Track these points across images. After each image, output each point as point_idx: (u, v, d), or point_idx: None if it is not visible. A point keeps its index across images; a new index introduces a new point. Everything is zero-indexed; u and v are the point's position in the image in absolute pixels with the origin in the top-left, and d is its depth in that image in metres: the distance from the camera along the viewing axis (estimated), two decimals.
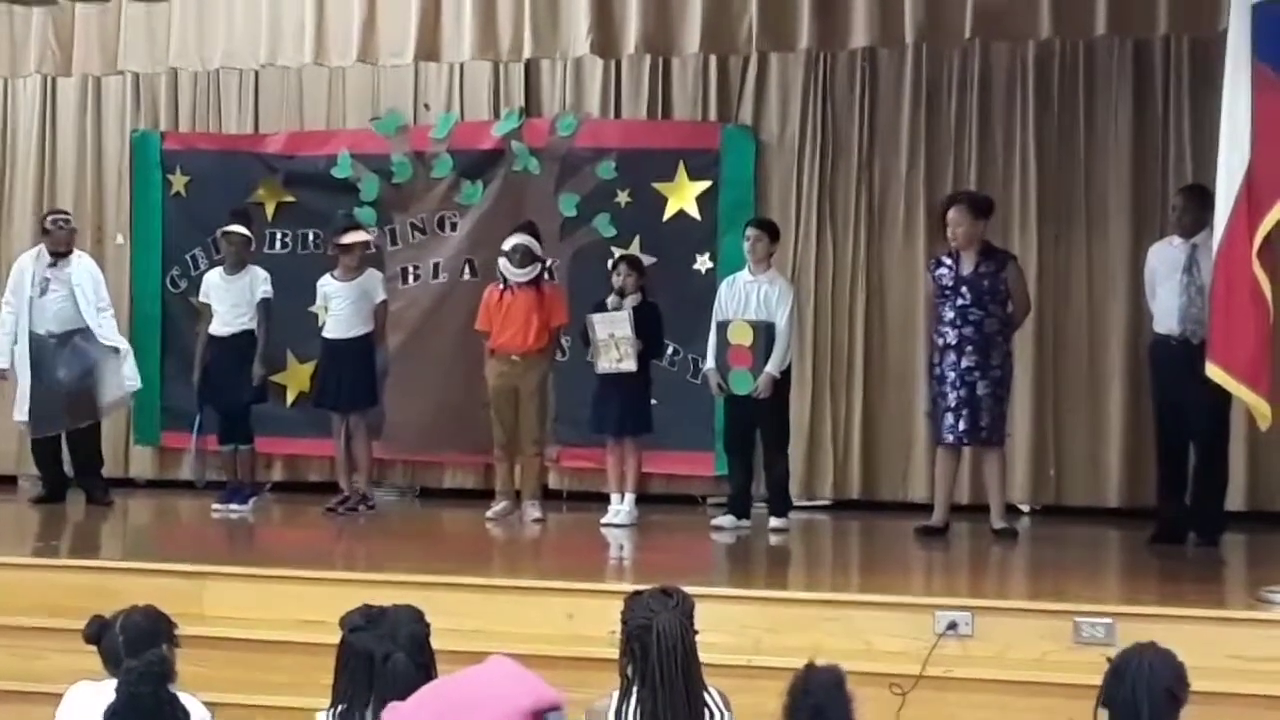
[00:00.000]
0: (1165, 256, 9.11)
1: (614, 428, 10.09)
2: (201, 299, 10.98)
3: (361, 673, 4.37)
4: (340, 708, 4.39)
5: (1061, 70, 11.15)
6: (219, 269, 11.02)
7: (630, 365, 9.87)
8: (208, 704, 4.56)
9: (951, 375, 9.24)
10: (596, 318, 9.98)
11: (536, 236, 10.39)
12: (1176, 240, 9.07)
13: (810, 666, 3.97)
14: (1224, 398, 7.21)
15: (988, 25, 9.69)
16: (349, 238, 10.84)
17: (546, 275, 10.82)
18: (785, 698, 3.99)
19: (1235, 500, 10.03)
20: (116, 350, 10.87)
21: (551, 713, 4.14)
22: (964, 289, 9.25)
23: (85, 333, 10.76)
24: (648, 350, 10.04)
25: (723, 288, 9.99)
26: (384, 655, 4.33)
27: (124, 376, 10.88)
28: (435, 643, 4.58)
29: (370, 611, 4.54)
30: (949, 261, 9.36)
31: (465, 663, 5.26)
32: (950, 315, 9.26)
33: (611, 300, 10.04)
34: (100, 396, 10.87)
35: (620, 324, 9.90)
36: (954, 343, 9.24)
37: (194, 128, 12.68)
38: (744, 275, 9.87)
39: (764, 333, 9.57)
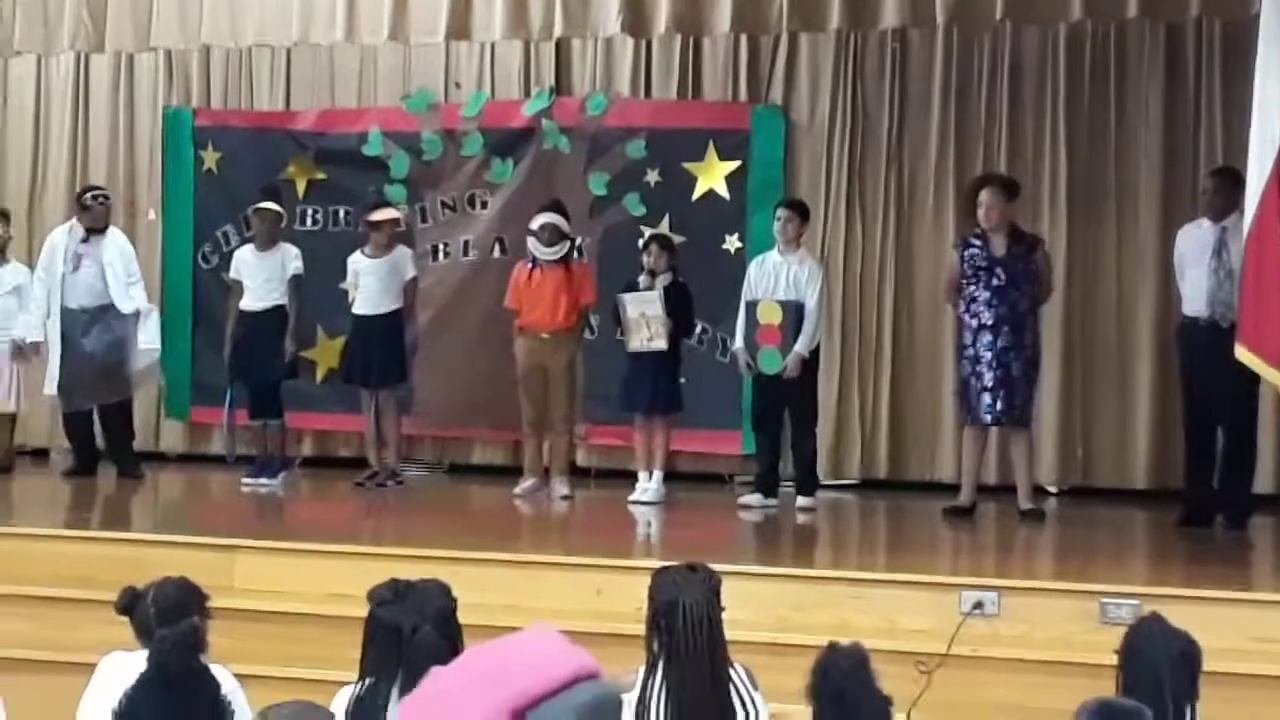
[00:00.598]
0: (1195, 239, 9.10)
1: (644, 406, 10.12)
2: (232, 275, 11.04)
3: (389, 647, 4.39)
4: (368, 681, 4.41)
5: (1093, 53, 11.13)
6: (250, 245, 11.08)
7: (661, 344, 9.90)
8: (237, 675, 4.59)
9: (988, 355, 9.24)
10: (628, 297, 10.01)
11: (564, 215, 10.43)
12: (1206, 223, 9.05)
13: (832, 647, 3.98)
14: (1252, 381, 7.22)
15: (1019, 8, 9.67)
16: (379, 215, 10.89)
17: (576, 254, 10.85)
18: (810, 678, 4.00)
19: (1263, 483, 10.04)
20: (138, 314, 10.91)
21: (588, 680, 4.16)
22: (999, 270, 9.25)
23: (116, 308, 10.82)
24: (678, 329, 10.07)
25: (752, 267, 10.01)
26: (411, 629, 4.36)
27: (144, 341, 10.91)
28: (463, 618, 4.61)
29: (398, 585, 4.57)
30: (978, 243, 9.36)
31: (494, 638, 5.31)
32: (985, 295, 9.25)
33: (643, 280, 10.07)
34: (131, 372, 10.94)
35: (651, 303, 9.93)
36: (989, 323, 9.24)
37: (226, 105, 12.73)
38: (774, 255, 9.89)
39: (793, 312, 9.59)
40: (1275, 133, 6.48)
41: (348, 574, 7.01)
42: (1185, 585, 6.85)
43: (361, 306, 10.76)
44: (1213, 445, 9.09)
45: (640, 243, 10.56)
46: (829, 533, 9.62)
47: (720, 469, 11.51)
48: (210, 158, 12.50)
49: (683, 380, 10.28)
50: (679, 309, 10.04)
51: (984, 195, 9.39)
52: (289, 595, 7.32)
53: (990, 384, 9.23)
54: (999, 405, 9.23)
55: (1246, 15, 8.22)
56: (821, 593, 6.84)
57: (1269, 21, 6.65)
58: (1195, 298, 8.98)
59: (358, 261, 10.82)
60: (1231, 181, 8.49)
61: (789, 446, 9.97)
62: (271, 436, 10.93)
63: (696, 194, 11.66)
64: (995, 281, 9.24)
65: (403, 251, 10.91)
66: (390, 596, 4.52)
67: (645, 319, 9.93)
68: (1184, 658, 4.14)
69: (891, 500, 10.92)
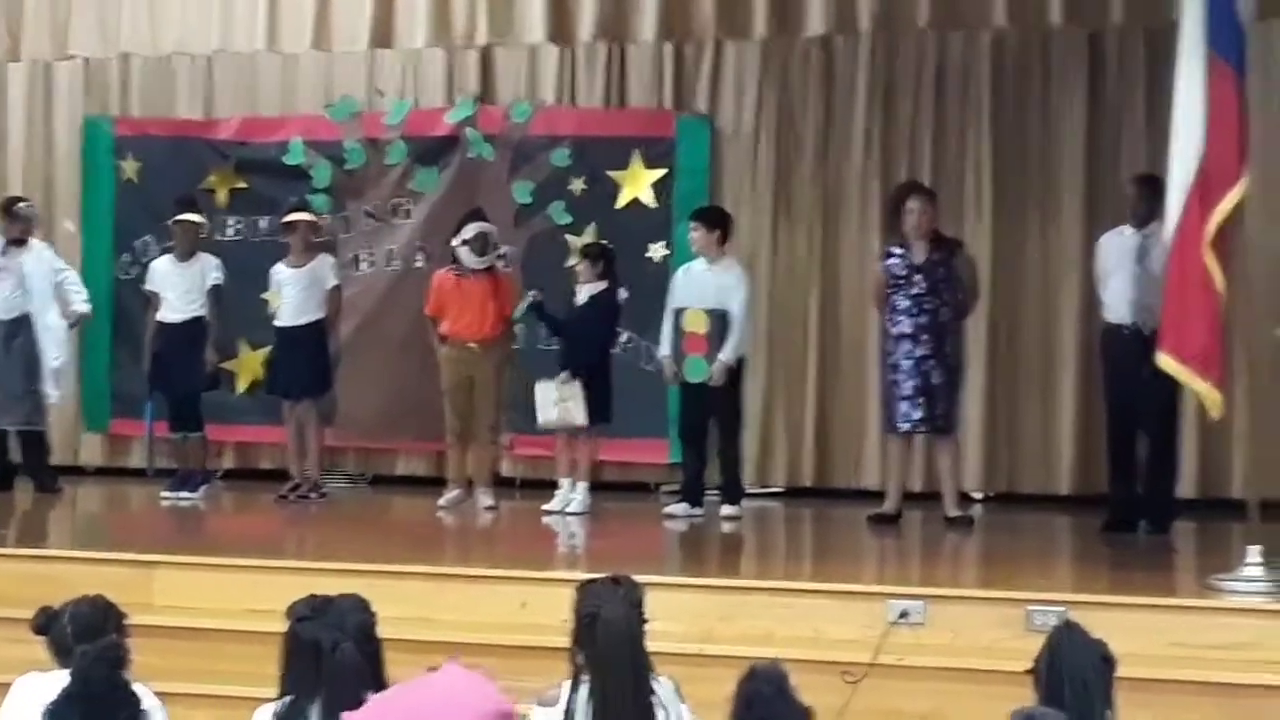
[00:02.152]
0: (1117, 246, 9.15)
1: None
2: (150, 287, 10.89)
3: (308, 663, 4.33)
4: (288, 699, 4.35)
5: (1017, 59, 11.18)
6: (168, 256, 10.94)
7: (582, 419, 9.88)
8: (158, 693, 4.52)
9: (907, 364, 9.25)
10: (538, 389, 9.98)
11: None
12: (1128, 230, 9.10)
13: (752, 672, 3.97)
14: (1175, 386, 7.24)
15: (943, 14, 9.73)
16: (291, 216, 10.78)
17: (500, 263, 10.80)
18: (732, 704, 3.99)
19: (1186, 488, 10.10)
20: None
21: None
22: (918, 278, 9.26)
23: (31, 322, 10.68)
24: (604, 340, 10.05)
25: (678, 275, 9.98)
26: (331, 644, 4.30)
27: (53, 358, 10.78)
28: (388, 632, 4.56)
29: (316, 601, 4.51)
30: (900, 251, 9.38)
31: (419, 652, 5.25)
32: (905, 304, 9.27)
33: (579, 296, 10.02)
34: (45, 397, 10.79)
35: (567, 387, 9.89)
36: (909, 331, 9.26)
37: (146, 114, 12.59)
38: (699, 263, 9.86)
39: (719, 321, 9.57)
40: (1197, 140, 6.50)
41: (269, 589, 6.90)
42: (1110, 591, 6.87)
43: (283, 317, 10.66)
44: (1136, 451, 9.13)
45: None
46: (755, 542, 9.60)
47: (646, 478, 11.49)
48: (130, 167, 12.38)
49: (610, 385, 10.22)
50: (604, 318, 10.02)
51: (911, 202, 9.40)
52: (209, 611, 7.21)
53: (909, 392, 9.24)
54: (918, 414, 9.24)
55: (1167, 22, 8.25)
56: (747, 603, 6.80)
57: (1189, 27, 6.67)
58: (1118, 305, 9.02)
59: (279, 272, 10.72)
60: (1153, 189, 8.50)
61: (715, 455, 9.95)
62: (192, 449, 10.81)
63: (621, 202, 11.64)
64: (914, 290, 9.25)
65: (324, 260, 10.81)
66: (308, 612, 4.46)
67: (565, 404, 9.90)
68: (1104, 664, 4.15)
69: (817, 508, 10.92)
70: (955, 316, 9.39)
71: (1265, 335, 7.14)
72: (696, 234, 9.85)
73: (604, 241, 10.87)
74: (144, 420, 11.40)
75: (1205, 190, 6.46)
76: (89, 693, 3.74)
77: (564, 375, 9.91)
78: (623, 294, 10.26)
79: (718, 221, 9.98)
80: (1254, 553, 6.55)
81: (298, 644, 4.39)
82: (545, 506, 10.01)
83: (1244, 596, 6.45)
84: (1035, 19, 9.86)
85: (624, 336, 10.78)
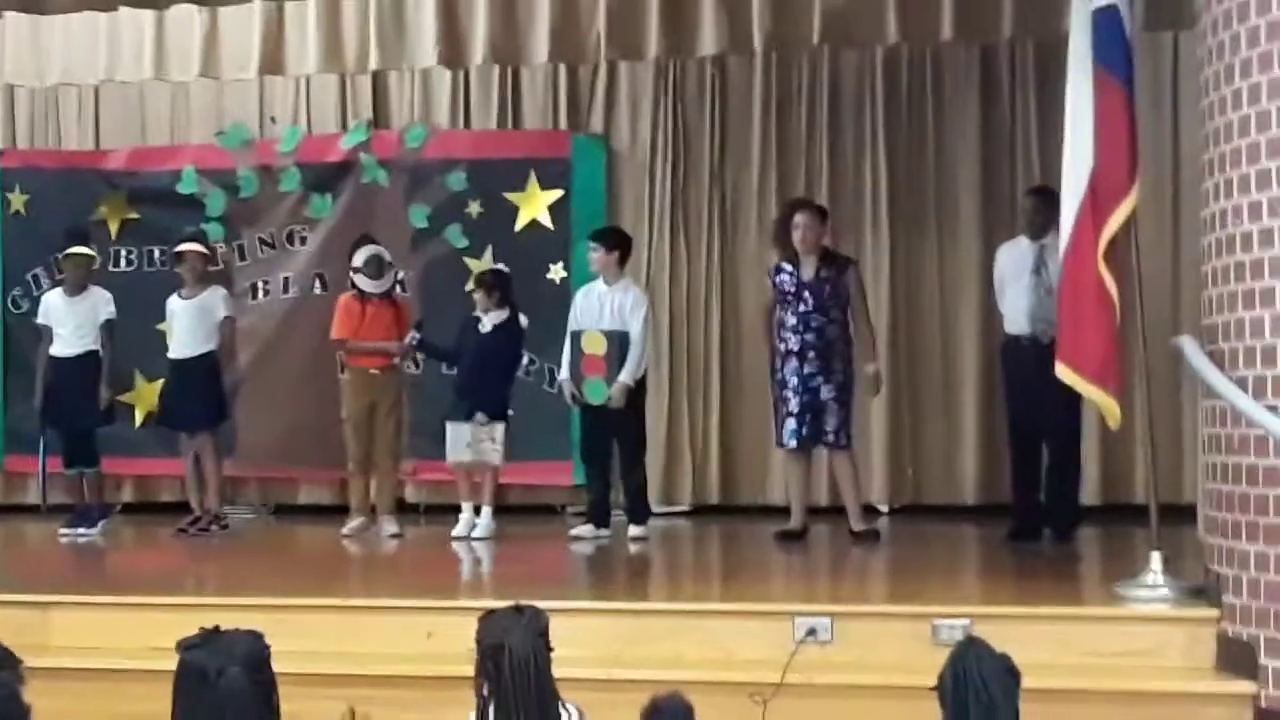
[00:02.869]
0: (1014, 257, 9.22)
1: None
2: (41, 320, 10.72)
3: (196, 692, 4.24)
4: None
5: (910, 74, 11.28)
6: (59, 289, 10.79)
7: (498, 460, 9.90)
8: None
9: (794, 381, 9.27)
10: (451, 432, 9.93)
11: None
12: (1024, 241, 9.18)
13: (655, 706, 3.95)
14: (1075, 396, 7.27)
15: (835, 31, 9.73)
16: (181, 247, 10.63)
17: (399, 288, 10.73)
18: None
19: (1089, 495, 10.21)
20: None
21: None
22: (805, 294, 9.28)
23: None
24: (511, 369, 10.06)
25: (578, 297, 9.94)
26: (218, 670, 4.22)
27: None
28: (293, 666, 4.49)
29: (206, 631, 4.43)
30: (789, 268, 9.39)
31: (326, 685, 5.19)
32: (792, 321, 9.30)
33: (485, 324, 9.96)
34: None
35: (486, 428, 9.84)
36: (796, 349, 9.27)
37: (33, 145, 12.44)
38: (599, 285, 9.82)
39: (617, 342, 9.54)
40: (1088, 152, 6.54)
41: (171, 626, 6.71)
42: (1016, 602, 6.86)
43: (175, 349, 10.50)
44: (1038, 460, 9.21)
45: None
46: (662, 562, 9.57)
47: (552, 500, 11.46)
48: (17, 200, 12.22)
49: (510, 413, 10.16)
50: (508, 348, 10.00)
51: (800, 217, 9.41)
52: (109, 651, 7.06)
53: (795, 409, 9.26)
54: (804, 430, 9.26)
55: (1057, 36, 8.33)
56: (655, 626, 6.77)
57: (1078, 41, 6.72)
58: (1016, 316, 9.09)
59: (172, 303, 10.57)
60: (1048, 200, 8.58)
61: (620, 476, 9.91)
62: (89, 484, 10.65)
63: (519, 224, 11.61)
64: (802, 307, 9.27)
65: (215, 291, 10.63)
66: (198, 641, 4.38)
67: (482, 445, 9.85)
68: (1009, 677, 4.14)
69: (724, 525, 10.92)
70: (844, 334, 9.39)
71: (1160, 344, 7.19)
72: (596, 255, 9.82)
73: (498, 267, 10.82)
74: (37, 457, 11.21)
75: (1097, 202, 6.50)
76: None
77: (481, 417, 9.85)
78: (524, 320, 10.21)
79: (617, 243, 9.95)
80: (1156, 559, 6.59)
81: (185, 672, 4.30)
82: (454, 533, 9.93)
83: (1148, 604, 6.48)
84: (927, 34, 9.89)
85: (526, 359, 10.72)
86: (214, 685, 4.16)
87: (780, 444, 9.52)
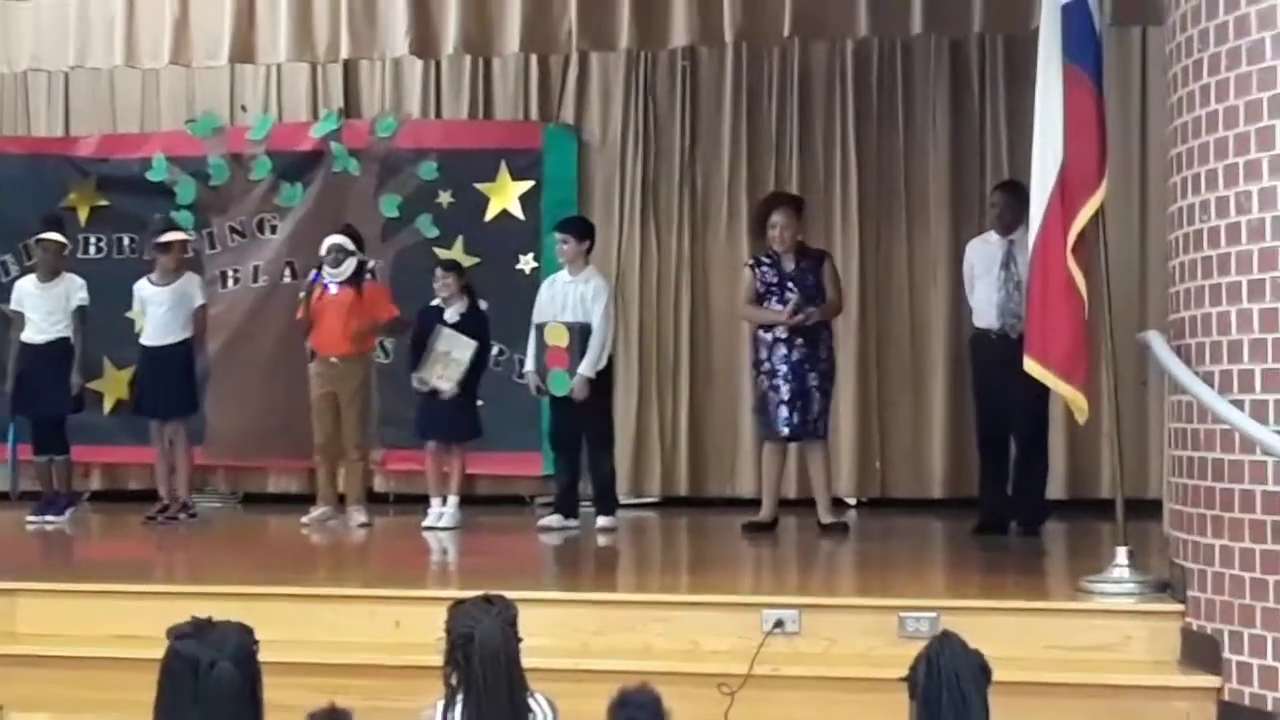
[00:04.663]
0: (983, 252, 9.25)
1: (440, 434, 9.99)
2: (13, 307, 10.69)
3: (185, 682, 4.25)
4: None
5: (880, 68, 11.31)
6: (31, 276, 10.76)
7: (447, 389, 9.79)
8: None
9: (783, 369, 9.28)
10: (447, 331, 9.87)
11: (355, 238, 10.26)
12: (993, 236, 9.21)
13: (624, 698, 3.97)
14: (1043, 390, 7.31)
15: (806, 23, 9.72)
16: (167, 237, 10.61)
17: (370, 276, 10.70)
18: None
19: (1056, 489, 10.24)
20: None
21: None
22: (791, 284, 9.30)
23: None
24: (482, 364, 10.04)
25: (543, 289, 9.94)
26: (209, 663, 4.23)
27: None
28: (262, 655, 4.48)
29: (199, 621, 4.44)
30: (769, 260, 9.40)
31: (293, 674, 5.19)
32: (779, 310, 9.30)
33: (449, 314, 9.94)
34: None
35: (464, 349, 9.82)
36: (784, 336, 9.28)
37: (1, 131, 12.38)
38: (564, 276, 9.82)
39: (579, 334, 9.52)
40: (1057, 147, 6.56)
41: (138, 614, 6.81)
42: (981, 596, 6.90)
43: (149, 336, 10.46)
44: (1006, 454, 9.24)
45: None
46: (630, 553, 9.58)
47: (521, 490, 11.47)
48: None
49: (480, 403, 10.16)
50: (479, 336, 9.97)
51: (776, 216, 9.42)
52: (77, 639, 7.04)
53: (787, 397, 9.27)
54: (795, 418, 9.27)
55: (1027, 30, 8.36)
56: (623, 616, 6.77)
57: (1047, 36, 6.74)
58: (985, 310, 9.12)
59: (143, 289, 10.53)
60: (1017, 195, 8.62)
61: (587, 467, 9.92)
62: (58, 471, 10.63)
63: (490, 214, 11.61)
64: (789, 295, 9.28)
65: (190, 279, 10.63)
66: (190, 631, 4.39)
67: (450, 359, 9.81)
68: (982, 674, 4.17)
69: (692, 517, 10.94)
70: (825, 322, 9.43)
71: (1127, 339, 7.22)
72: (566, 246, 9.81)
73: (452, 258, 10.81)
74: (6, 444, 11.18)
75: (1066, 197, 6.52)
76: None
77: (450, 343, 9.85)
78: (483, 305, 10.20)
79: (586, 232, 9.96)
80: (1121, 554, 6.62)
81: (175, 661, 4.31)
82: (425, 524, 9.93)
83: (1113, 598, 6.51)
84: (897, 27, 9.90)
85: (496, 349, 10.72)
86: (203, 677, 4.18)
87: (768, 433, 9.49)
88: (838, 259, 10.47)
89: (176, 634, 4.36)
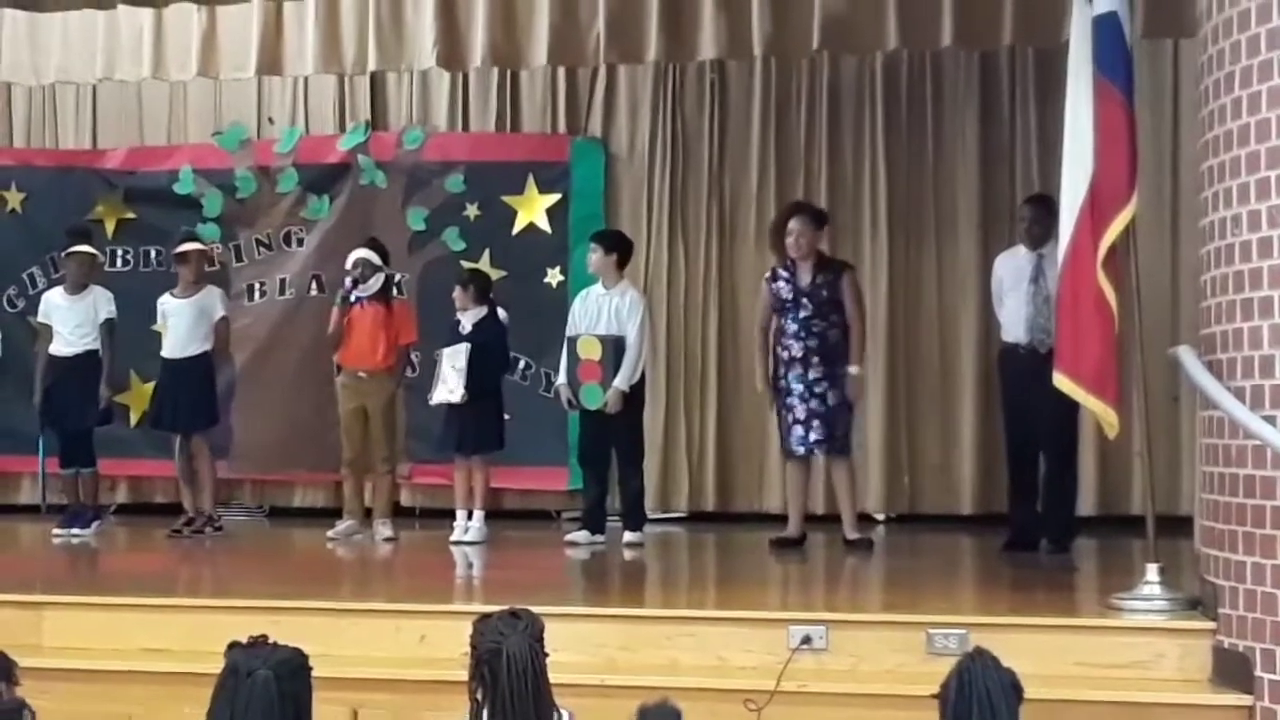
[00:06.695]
0: (1012, 266, 9.19)
1: (464, 446, 9.96)
2: (41, 319, 10.69)
3: (230, 689, 4.26)
4: None
5: (909, 81, 11.27)
6: (59, 288, 10.75)
7: (457, 399, 9.76)
8: None
9: (799, 388, 9.24)
10: (446, 351, 9.86)
11: (382, 252, 10.23)
12: (1022, 250, 9.14)
13: (642, 712, 3.94)
14: (1073, 405, 7.25)
15: (835, 37, 9.69)
16: (184, 246, 10.59)
17: (396, 291, 10.68)
18: None
19: (1086, 506, 10.17)
20: None
21: None
22: (804, 300, 9.25)
23: None
24: (495, 368, 9.96)
25: (576, 302, 9.91)
26: (248, 671, 4.23)
27: None
28: None
29: (257, 638, 4.45)
30: (786, 274, 9.35)
31: (319, 689, 5.14)
32: (794, 328, 9.26)
33: (464, 322, 9.93)
34: None
35: (458, 355, 9.80)
36: (799, 355, 9.24)
37: (30, 143, 12.43)
38: (597, 289, 9.79)
39: (613, 347, 9.49)
40: (1087, 160, 6.52)
41: (164, 627, 6.82)
42: (1011, 613, 6.85)
43: (169, 349, 10.45)
44: (1035, 470, 9.17)
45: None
46: (657, 569, 9.54)
47: (548, 505, 11.45)
48: (14, 198, 12.21)
49: (507, 417, 10.13)
50: (493, 346, 9.92)
51: (793, 223, 9.37)
52: (103, 652, 7.03)
53: (802, 416, 9.23)
54: (811, 436, 9.23)
55: (1057, 43, 8.31)
56: (650, 632, 6.74)
57: (1078, 49, 6.70)
58: (1014, 324, 9.06)
59: (166, 302, 10.52)
60: (1046, 209, 8.58)
61: (616, 481, 9.88)
62: (84, 484, 10.62)
63: (517, 227, 11.60)
64: (802, 313, 9.24)
65: (211, 292, 10.60)
66: (246, 644, 4.40)
67: (452, 370, 9.80)
68: (1014, 692, 4.13)
69: (720, 532, 10.90)
70: (844, 338, 9.36)
71: (1158, 354, 7.16)
72: (595, 255, 9.80)
73: (473, 267, 10.81)
74: (35, 456, 11.19)
75: (1096, 211, 6.48)
76: None
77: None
78: (503, 315, 10.16)
79: (616, 244, 9.92)
80: (1152, 571, 6.57)
81: (226, 670, 4.32)
82: (451, 538, 9.90)
83: (1144, 615, 6.46)
84: (926, 41, 9.86)
85: (522, 363, 10.70)
86: (243, 683, 4.19)
87: (785, 451, 9.48)
88: (866, 273, 10.46)
89: (232, 645, 4.38)
